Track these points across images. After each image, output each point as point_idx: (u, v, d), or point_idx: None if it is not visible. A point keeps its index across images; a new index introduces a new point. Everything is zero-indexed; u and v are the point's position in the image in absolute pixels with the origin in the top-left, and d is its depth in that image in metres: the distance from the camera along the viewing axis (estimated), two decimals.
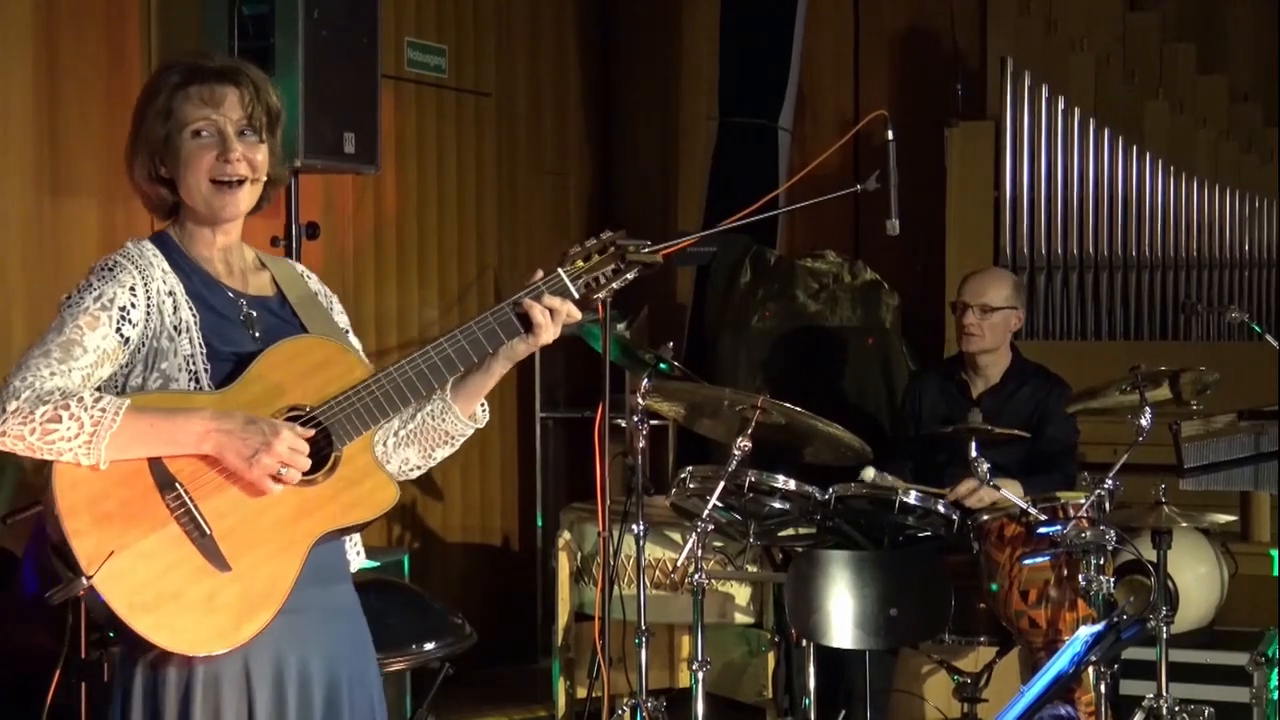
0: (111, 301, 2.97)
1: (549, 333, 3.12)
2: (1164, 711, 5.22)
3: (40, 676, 4.29)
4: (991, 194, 7.61)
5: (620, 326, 7.60)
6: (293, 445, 2.91)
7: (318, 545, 2.99)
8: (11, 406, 2.83)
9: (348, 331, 3.29)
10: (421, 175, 7.62)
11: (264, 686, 2.99)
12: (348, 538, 3.16)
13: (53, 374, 2.88)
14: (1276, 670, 5.86)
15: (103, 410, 2.84)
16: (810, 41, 8.28)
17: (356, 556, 3.22)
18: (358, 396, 3.02)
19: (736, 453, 5.09)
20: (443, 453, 3.27)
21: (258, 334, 3.09)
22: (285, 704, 3.01)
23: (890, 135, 4.67)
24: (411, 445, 3.25)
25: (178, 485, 2.90)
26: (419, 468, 3.29)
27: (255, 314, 3.12)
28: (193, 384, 3.00)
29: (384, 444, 3.24)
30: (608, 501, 4.79)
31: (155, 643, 2.86)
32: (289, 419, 2.97)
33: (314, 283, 3.30)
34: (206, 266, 3.12)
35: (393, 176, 7.39)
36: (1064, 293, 7.51)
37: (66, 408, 2.83)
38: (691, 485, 5.41)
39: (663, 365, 5.44)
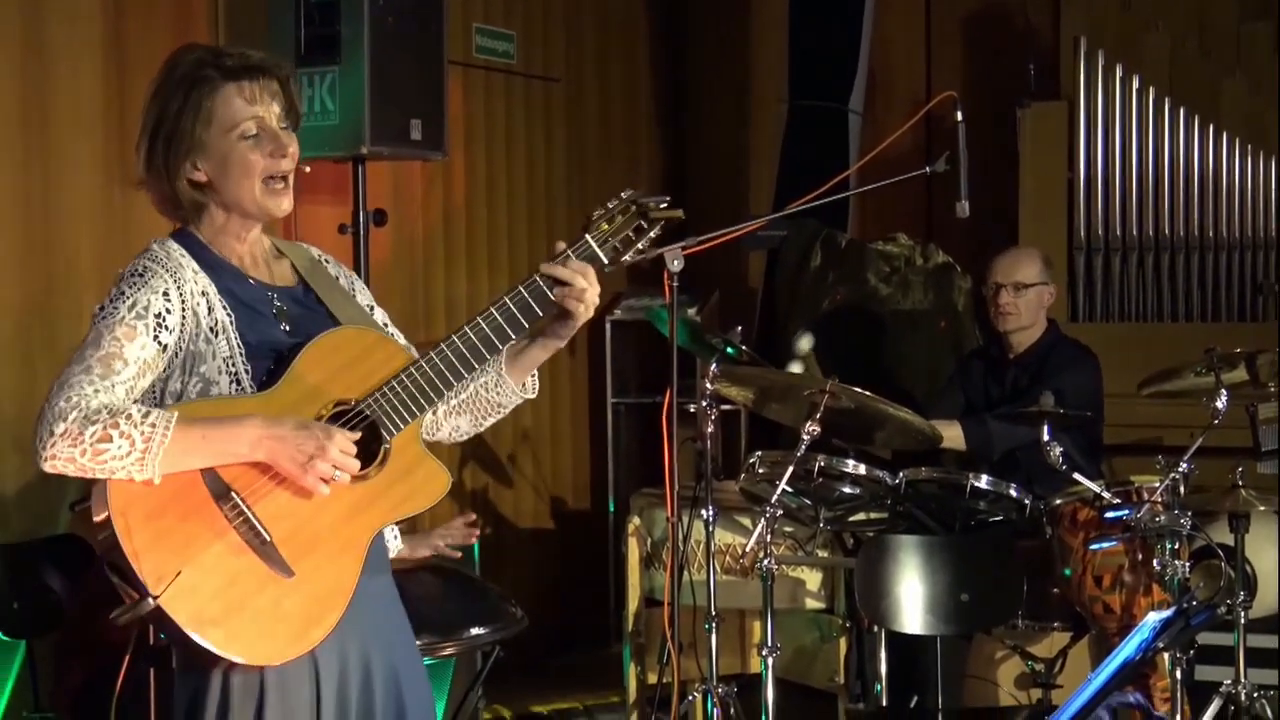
0: (146, 309, 2.89)
1: (592, 296, 3.07)
2: (1241, 697, 5.15)
3: (111, 662, 4.31)
4: (1065, 175, 7.54)
5: (690, 311, 7.58)
6: (344, 448, 2.87)
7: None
8: (60, 429, 2.75)
9: (372, 309, 3.24)
10: (490, 161, 7.62)
11: (330, 683, 2.96)
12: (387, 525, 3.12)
13: (96, 391, 2.79)
14: None
15: (152, 426, 2.77)
16: (881, 23, 8.22)
17: (394, 541, 3.19)
18: (401, 385, 2.98)
19: (805, 437, 5.06)
20: (491, 421, 3.28)
21: (287, 327, 3.04)
22: (348, 699, 2.99)
23: (960, 116, 4.61)
24: (464, 414, 3.25)
25: (233, 494, 2.85)
26: (468, 434, 3.31)
27: (284, 306, 3.07)
28: (234, 386, 2.95)
29: (434, 411, 3.21)
30: (676, 487, 4.76)
31: (228, 656, 2.82)
32: (335, 414, 2.94)
33: (333, 266, 3.24)
34: (234, 261, 3.06)
35: (462, 163, 7.39)
36: (1139, 274, 7.42)
37: (116, 426, 2.76)
38: (761, 470, 5.38)
39: (730, 350, 5.41)
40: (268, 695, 2.91)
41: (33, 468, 5.51)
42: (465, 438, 3.32)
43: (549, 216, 7.93)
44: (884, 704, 5.37)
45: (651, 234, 3.14)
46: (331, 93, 5.73)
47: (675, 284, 4.42)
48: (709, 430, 5.25)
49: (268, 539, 2.85)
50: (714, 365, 5.29)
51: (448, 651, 4.80)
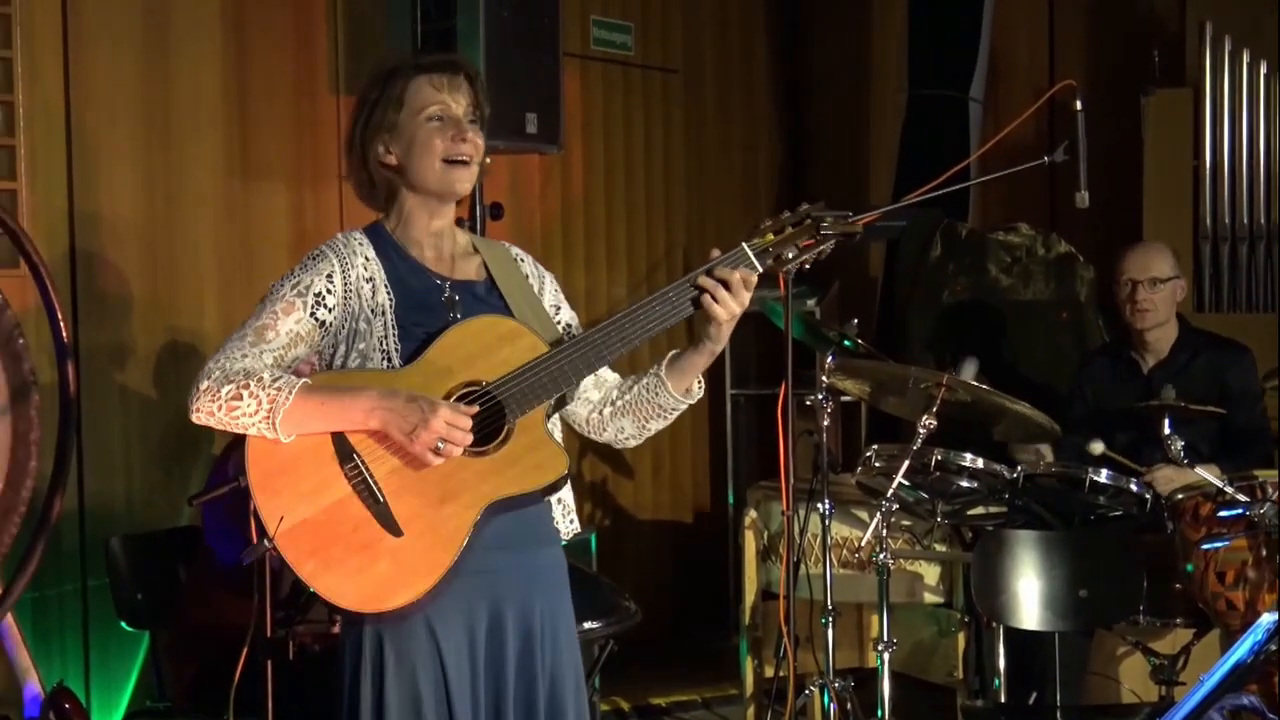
0: (308, 289, 3.24)
1: (732, 304, 3.20)
2: None
3: (229, 653, 4.35)
4: (1190, 163, 7.41)
5: (810, 303, 7.55)
6: (450, 421, 3.10)
7: (502, 511, 3.19)
8: (203, 385, 3.16)
9: (558, 309, 3.45)
10: (609, 154, 7.63)
11: (451, 640, 3.20)
12: (559, 506, 3.38)
13: (243, 355, 3.18)
14: None
15: (277, 389, 3.13)
16: (1002, 9, 8.13)
17: (570, 525, 3.43)
18: (532, 372, 3.18)
19: (921, 431, 5.03)
20: (656, 425, 3.44)
21: (459, 316, 3.28)
22: (477, 657, 3.23)
23: (1079, 105, 4.55)
24: (627, 416, 3.43)
25: (355, 456, 3.16)
26: (634, 437, 3.47)
27: (458, 297, 3.30)
28: (385, 362, 3.24)
29: (600, 412, 3.45)
30: (791, 480, 4.74)
31: (333, 601, 3.15)
32: (462, 394, 3.18)
33: (527, 265, 3.47)
34: (415, 251, 3.34)
35: (580, 155, 7.40)
36: (1267, 264, 7.29)
37: (247, 387, 3.13)
38: (878, 463, 5.34)
39: (847, 342, 5.37)
40: (386, 653, 3.20)
41: (157, 460, 5.62)
42: (633, 442, 3.49)
43: (667, 209, 7.93)
44: (1002, 700, 5.31)
45: (823, 248, 3.24)
46: None
47: (790, 276, 4.40)
48: (825, 423, 5.23)
49: (381, 499, 3.14)
50: (830, 358, 5.25)
51: None
